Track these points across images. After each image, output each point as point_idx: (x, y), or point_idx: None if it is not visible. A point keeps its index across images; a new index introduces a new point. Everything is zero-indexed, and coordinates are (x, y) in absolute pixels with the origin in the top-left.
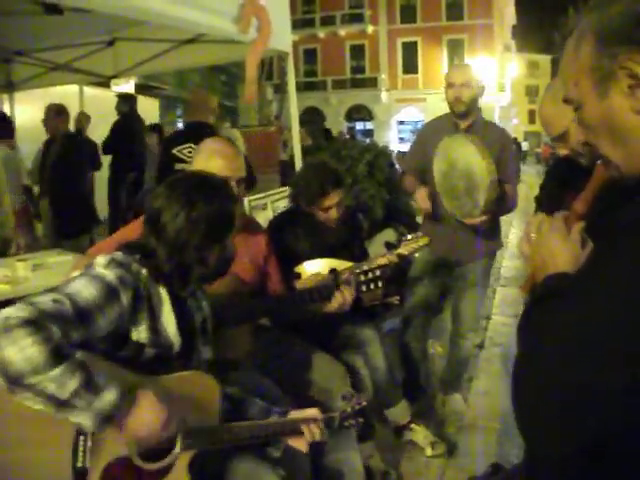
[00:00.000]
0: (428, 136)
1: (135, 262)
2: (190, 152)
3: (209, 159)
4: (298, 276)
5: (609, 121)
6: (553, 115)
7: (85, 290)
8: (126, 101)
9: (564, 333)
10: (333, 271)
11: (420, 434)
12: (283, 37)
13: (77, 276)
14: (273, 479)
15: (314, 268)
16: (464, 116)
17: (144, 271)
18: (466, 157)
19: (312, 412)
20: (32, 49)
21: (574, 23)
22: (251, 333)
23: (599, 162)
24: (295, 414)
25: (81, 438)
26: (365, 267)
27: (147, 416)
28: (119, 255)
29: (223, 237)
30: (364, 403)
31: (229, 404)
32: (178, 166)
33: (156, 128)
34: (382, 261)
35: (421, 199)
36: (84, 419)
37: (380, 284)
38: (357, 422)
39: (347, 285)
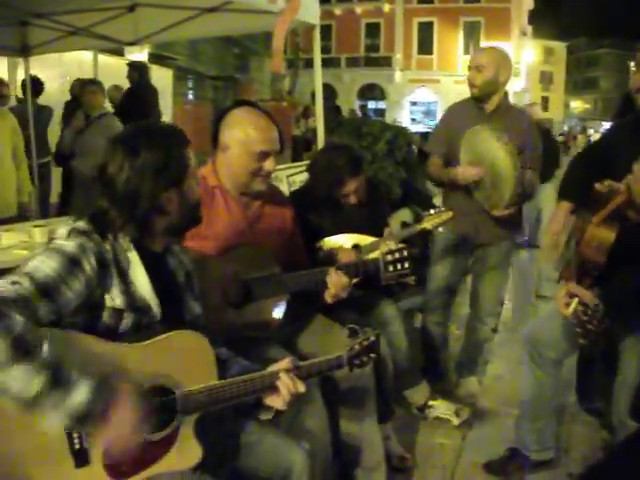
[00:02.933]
0: (454, 120)
1: (97, 226)
2: None
3: (245, 130)
4: (320, 250)
5: None
6: None
7: (43, 265)
8: (136, 69)
9: None
10: (356, 247)
11: (442, 408)
12: (311, 9)
13: (38, 252)
14: (298, 453)
15: (337, 243)
16: (480, 100)
17: (109, 235)
18: (491, 152)
19: (284, 362)
20: (52, 12)
21: None
22: (283, 303)
23: None
24: (270, 367)
25: None
26: (393, 246)
27: (123, 421)
28: (81, 224)
29: (176, 182)
30: (372, 338)
31: None
32: None
33: None
34: (406, 235)
35: (470, 169)
36: (55, 419)
37: (407, 264)
38: (369, 359)
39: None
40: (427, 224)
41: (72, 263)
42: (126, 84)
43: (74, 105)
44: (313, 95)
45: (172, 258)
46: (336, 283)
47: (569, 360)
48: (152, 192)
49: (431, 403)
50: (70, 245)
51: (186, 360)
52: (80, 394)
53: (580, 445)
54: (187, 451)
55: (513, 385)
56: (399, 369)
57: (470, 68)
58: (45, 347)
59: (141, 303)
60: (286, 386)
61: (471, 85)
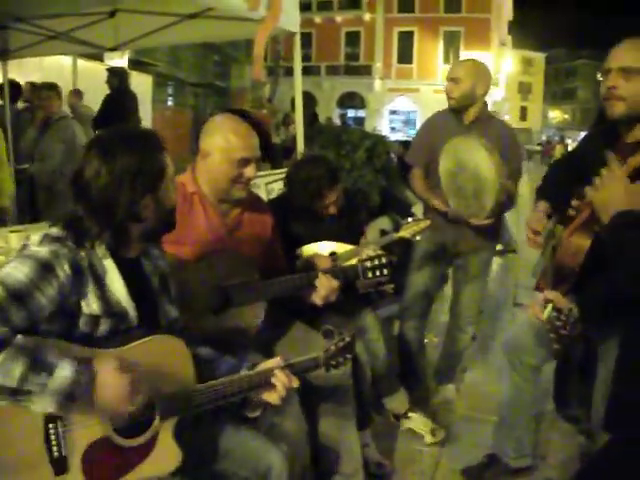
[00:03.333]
0: (434, 130)
1: (72, 234)
2: None
3: (225, 137)
4: (298, 258)
5: None
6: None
7: (16, 271)
8: (116, 75)
9: None
10: (333, 254)
11: (419, 422)
12: (291, 17)
13: (12, 259)
14: (277, 455)
15: (315, 251)
16: (457, 112)
17: (85, 243)
18: (477, 161)
19: (275, 360)
20: (32, 16)
21: None
22: (262, 309)
23: None
24: (262, 365)
25: (50, 426)
26: (372, 253)
27: (111, 384)
28: (55, 230)
29: (152, 188)
30: (347, 339)
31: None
32: None
33: None
34: (384, 243)
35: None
36: (44, 403)
37: (386, 271)
38: (344, 359)
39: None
40: (405, 232)
41: (45, 269)
42: (105, 89)
43: (30, 109)
44: (293, 103)
45: (147, 262)
46: (326, 286)
47: (546, 368)
48: (129, 200)
49: (410, 415)
50: (43, 251)
51: (164, 364)
52: (63, 370)
53: (558, 452)
54: (166, 455)
55: (491, 392)
56: (377, 376)
57: (448, 80)
58: (19, 336)
59: (117, 308)
60: (282, 382)
61: (448, 97)
